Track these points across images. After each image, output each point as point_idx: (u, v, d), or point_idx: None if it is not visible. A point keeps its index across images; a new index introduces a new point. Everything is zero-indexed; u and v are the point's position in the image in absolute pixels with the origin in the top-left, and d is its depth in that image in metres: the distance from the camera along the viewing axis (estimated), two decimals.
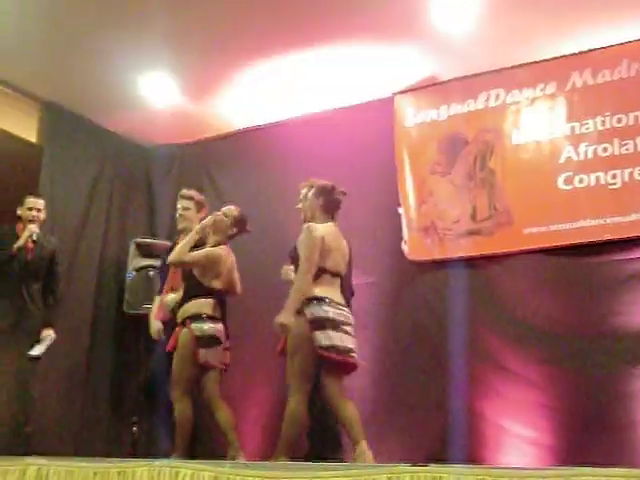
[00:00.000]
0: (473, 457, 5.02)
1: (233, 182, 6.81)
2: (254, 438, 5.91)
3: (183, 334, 4.86)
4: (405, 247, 5.83)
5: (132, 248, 6.66)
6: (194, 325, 4.82)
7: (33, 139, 6.58)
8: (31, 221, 5.53)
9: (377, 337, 5.79)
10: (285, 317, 4.17)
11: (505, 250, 5.49)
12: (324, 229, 4.39)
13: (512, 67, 5.66)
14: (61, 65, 6.07)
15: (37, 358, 5.42)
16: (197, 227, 5.11)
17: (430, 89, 6.00)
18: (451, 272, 5.61)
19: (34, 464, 4.01)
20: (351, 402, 4.28)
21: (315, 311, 4.19)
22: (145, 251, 6.64)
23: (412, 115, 6.02)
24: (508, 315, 5.42)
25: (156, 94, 6.30)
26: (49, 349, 5.49)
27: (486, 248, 5.55)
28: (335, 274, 4.38)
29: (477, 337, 5.43)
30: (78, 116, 6.73)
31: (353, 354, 4.29)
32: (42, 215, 5.62)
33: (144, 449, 5.38)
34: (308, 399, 4.28)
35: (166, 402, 5.44)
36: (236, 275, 5.19)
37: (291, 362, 4.29)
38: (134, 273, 6.54)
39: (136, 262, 6.58)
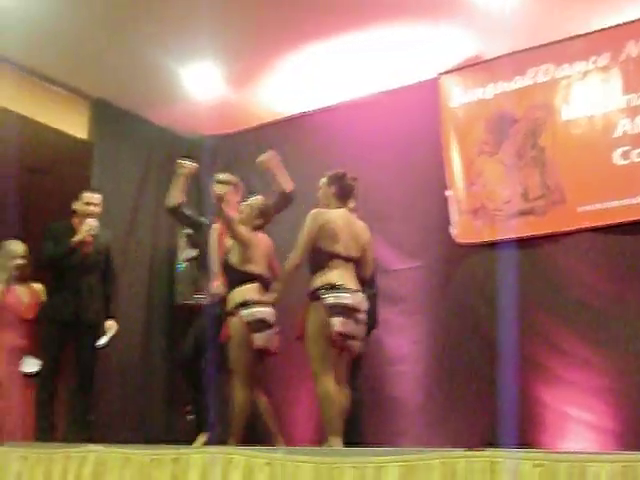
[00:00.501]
0: (530, 441, 4.92)
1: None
2: (305, 424, 5.91)
3: (234, 323, 4.87)
4: (454, 230, 5.73)
5: (182, 239, 6.69)
6: (244, 312, 4.83)
7: (84, 136, 6.69)
8: (89, 215, 5.62)
9: (427, 322, 5.75)
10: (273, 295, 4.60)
11: (558, 229, 5.35)
12: (331, 214, 4.52)
13: (561, 40, 5.48)
14: (108, 62, 6.12)
15: (102, 348, 5.57)
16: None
17: (476, 68, 5.87)
18: (502, 254, 5.47)
19: (94, 451, 4.10)
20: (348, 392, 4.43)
21: (332, 297, 4.28)
22: (194, 242, 6.65)
23: (458, 95, 5.90)
24: (563, 296, 5.29)
25: (200, 85, 6.30)
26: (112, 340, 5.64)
27: (539, 228, 5.42)
28: (348, 259, 4.47)
29: (531, 319, 5.33)
30: (125, 111, 6.81)
31: (356, 343, 4.41)
32: (98, 209, 5.72)
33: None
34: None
35: (219, 391, 5.48)
36: (276, 261, 5.19)
37: (312, 347, 4.36)
38: (184, 264, 6.57)
39: (186, 253, 6.61)
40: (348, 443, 4.30)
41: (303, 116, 6.73)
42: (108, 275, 5.77)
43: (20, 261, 5.84)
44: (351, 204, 4.76)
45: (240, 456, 3.55)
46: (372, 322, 4.87)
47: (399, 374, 5.76)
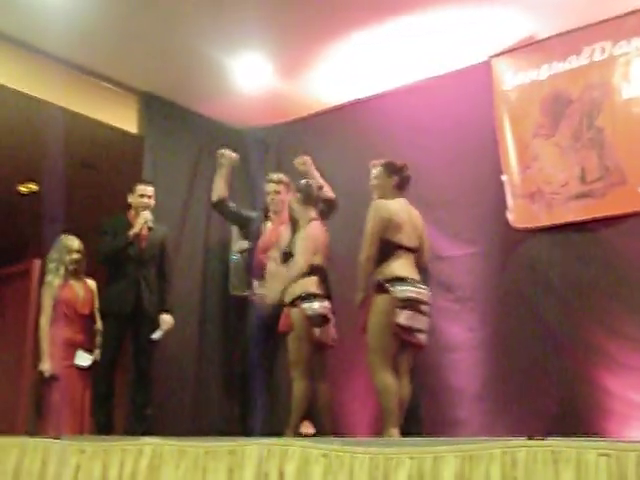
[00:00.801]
0: (595, 430, 4.78)
1: (332, 159, 6.70)
2: (363, 415, 5.87)
3: (295, 313, 4.86)
4: (510, 215, 5.59)
5: (235, 231, 6.68)
6: (305, 305, 4.84)
7: (134, 130, 6.75)
8: (143, 208, 5.69)
9: (483, 309, 5.63)
10: (358, 293, 4.41)
11: (619, 211, 5.17)
12: (394, 205, 4.52)
13: (618, 16, 5.29)
14: (156, 56, 6.16)
15: (155, 342, 5.62)
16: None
17: (529, 48, 5.72)
18: (560, 238, 5.38)
19: (150, 443, 4.11)
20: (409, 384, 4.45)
21: (398, 290, 4.29)
22: (247, 233, 6.64)
23: (511, 77, 5.76)
24: (624, 279, 5.12)
25: (249, 76, 6.29)
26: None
27: (598, 210, 5.24)
28: (410, 249, 4.50)
29: (591, 304, 5.18)
30: (174, 104, 6.84)
31: (422, 335, 4.44)
32: (152, 201, 5.78)
33: (254, 428, 5.41)
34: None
35: (274, 382, 5.47)
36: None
37: (375, 340, 4.35)
38: (238, 255, 6.55)
39: (239, 244, 6.58)
40: (406, 433, 4.26)
41: (353, 105, 6.65)
42: (163, 268, 5.82)
43: (76, 256, 5.89)
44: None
45: (296, 447, 3.52)
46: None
47: (455, 362, 5.67)
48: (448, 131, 5.96)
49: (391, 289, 4.30)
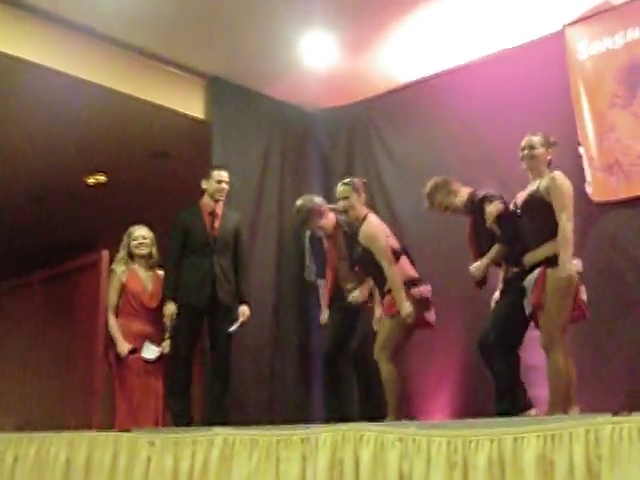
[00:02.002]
0: None
1: (405, 138, 6.65)
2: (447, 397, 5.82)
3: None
4: (589, 188, 5.44)
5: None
6: (413, 290, 4.96)
7: (201, 116, 6.72)
8: (220, 193, 5.67)
9: None
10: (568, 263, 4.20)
11: None
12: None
13: None
14: (220, 39, 6.14)
15: (232, 334, 5.59)
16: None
17: (603, 16, 5.52)
18: None
19: (220, 434, 4.10)
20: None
21: (579, 264, 4.31)
22: None
23: (586, 46, 5.58)
24: None
25: (316, 56, 6.22)
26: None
27: None
28: None
29: None
30: (242, 88, 6.78)
31: None
32: (227, 187, 5.74)
33: (332, 414, 5.42)
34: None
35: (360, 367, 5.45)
36: None
37: (554, 318, 4.23)
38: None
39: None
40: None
41: (424, 82, 6.55)
42: (239, 256, 5.76)
43: (141, 241, 5.84)
44: None
45: (370, 432, 3.48)
46: None
47: (534, 339, 5.54)
48: (523, 104, 5.80)
49: (575, 262, 4.26)
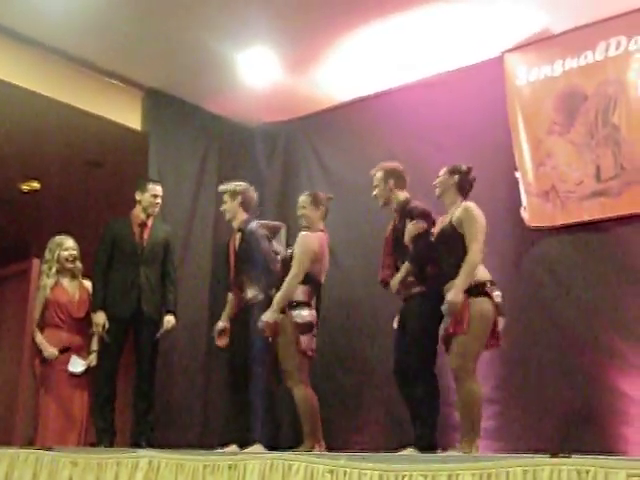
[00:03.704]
0: (613, 436, 4.69)
1: (341, 156, 6.63)
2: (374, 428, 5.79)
3: (283, 320, 4.90)
4: (525, 214, 5.48)
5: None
6: (294, 312, 4.90)
7: (138, 127, 6.62)
8: (154, 207, 5.62)
9: None
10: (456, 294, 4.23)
11: (635, 210, 5.04)
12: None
13: (634, 10, 5.15)
14: (160, 51, 6.05)
15: (157, 345, 5.49)
16: None
17: (542, 44, 5.58)
18: (576, 237, 5.26)
19: (146, 456, 4.00)
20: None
21: (497, 294, 4.33)
22: None
23: (524, 73, 5.63)
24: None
25: (256, 72, 6.15)
26: (169, 335, 5.58)
27: (614, 209, 5.12)
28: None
29: (608, 305, 5.06)
30: (180, 100, 6.72)
31: None
32: (160, 202, 5.69)
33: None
34: None
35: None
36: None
37: (473, 344, 4.27)
38: None
39: None
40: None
41: (362, 101, 6.55)
42: (167, 268, 5.68)
43: (66, 253, 5.68)
44: None
45: (300, 462, 3.40)
46: None
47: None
48: (460, 127, 5.85)
49: (491, 292, 4.31)
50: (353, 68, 6.19)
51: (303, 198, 5.23)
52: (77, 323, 5.62)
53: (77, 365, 5.52)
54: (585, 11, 5.27)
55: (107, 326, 5.38)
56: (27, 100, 6.07)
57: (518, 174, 5.54)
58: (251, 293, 5.27)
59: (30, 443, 5.13)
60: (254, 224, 5.43)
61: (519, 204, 5.51)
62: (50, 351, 5.43)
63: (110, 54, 6.15)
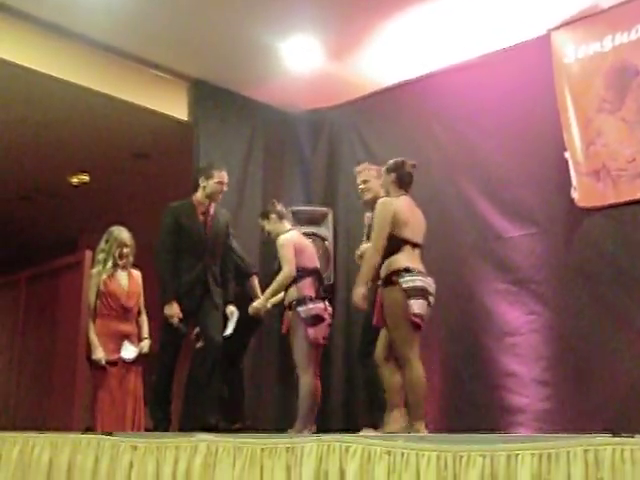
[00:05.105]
0: None
1: (386, 141, 6.58)
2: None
3: (291, 316, 5.20)
4: (575, 194, 5.37)
5: (289, 217, 6.57)
6: (300, 308, 5.14)
7: (184, 117, 6.70)
8: (220, 194, 5.50)
9: (545, 291, 5.45)
10: (359, 289, 4.46)
11: None
12: (398, 202, 4.58)
13: None
14: (205, 42, 6.10)
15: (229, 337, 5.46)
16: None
17: (590, 19, 5.46)
18: (628, 217, 5.15)
19: (204, 440, 4.02)
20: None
21: (408, 281, 4.36)
22: (302, 218, 6.54)
23: (572, 50, 5.52)
24: None
25: (299, 59, 6.20)
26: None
27: None
28: (415, 245, 4.57)
29: None
30: (225, 90, 6.78)
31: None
32: (226, 189, 5.59)
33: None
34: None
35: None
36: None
37: (397, 332, 4.41)
38: None
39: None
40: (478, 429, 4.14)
41: (406, 85, 6.50)
42: (227, 257, 5.61)
43: (125, 250, 5.71)
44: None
45: (357, 444, 3.37)
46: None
47: (514, 346, 5.51)
48: (507, 108, 5.77)
49: (400, 280, 4.36)
50: (396, 52, 6.16)
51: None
52: (127, 312, 5.68)
53: (129, 352, 5.59)
54: None
55: (181, 316, 5.27)
56: (75, 94, 6.18)
57: (567, 154, 5.44)
58: None
59: (88, 429, 5.20)
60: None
61: (568, 185, 5.41)
62: (99, 357, 5.46)
63: (155, 46, 6.21)
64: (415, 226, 4.60)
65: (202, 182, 5.48)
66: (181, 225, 5.37)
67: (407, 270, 4.38)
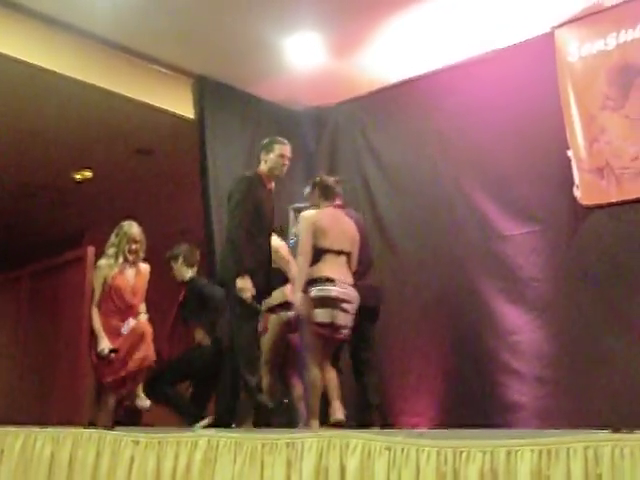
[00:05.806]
0: None
1: (389, 138, 6.59)
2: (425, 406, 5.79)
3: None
4: (577, 191, 5.37)
5: (291, 214, 6.58)
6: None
7: (189, 114, 6.72)
8: (281, 169, 5.12)
9: (547, 289, 5.45)
10: (297, 294, 4.72)
11: None
12: (317, 214, 4.88)
13: None
14: (209, 38, 6.12)
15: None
16: None
17: (594, 17, 5.45)
18: (632, 215, 5.14)
19: (205, 435, 4.04)
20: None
21: (316, 290, 4.60)
22: None
23: (576, 48, 5.51)
24: None
25: (303, 56, 6.22)
26: None
27: None
28: (338, 252, 4.79)
29: None
30: (229, 87, 6.80)
31: (345, 331, 4.74)
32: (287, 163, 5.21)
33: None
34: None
35: None
36: None
37: (303, 337, 4.77)
38: (295, 239, 6.46)
39: (297, 228, 6.49)
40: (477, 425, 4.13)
41: (410, 82, 6.49)
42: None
43: (135, 246, 5.62)
44: (338, 201, 5.13)
45: (357, 440, 3.39)
46: (373, 313, 5.19)
47: (515, 345, 5.51)
48: (510, 106, 5.77)
49: (310, 289, 4.61)
50: (400, 49, 6.17)
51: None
52: (129, 309, 5.60)
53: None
54: None
55: (254, 292, 4.82)
56: (79, 91, 6.19)
57: (570, 152, 5.43)
58: None
59: (91, 424, 5.21)
60: None
61: (571, 182, 5.40)
62: (103, 346, 5.37)
63: (159, 43, 6.23)
64: (337, 235, 4.81)
65: (263, 156, 5.11)
66: (258, 200, 5.00)
67: (322, 279, 4.62)
